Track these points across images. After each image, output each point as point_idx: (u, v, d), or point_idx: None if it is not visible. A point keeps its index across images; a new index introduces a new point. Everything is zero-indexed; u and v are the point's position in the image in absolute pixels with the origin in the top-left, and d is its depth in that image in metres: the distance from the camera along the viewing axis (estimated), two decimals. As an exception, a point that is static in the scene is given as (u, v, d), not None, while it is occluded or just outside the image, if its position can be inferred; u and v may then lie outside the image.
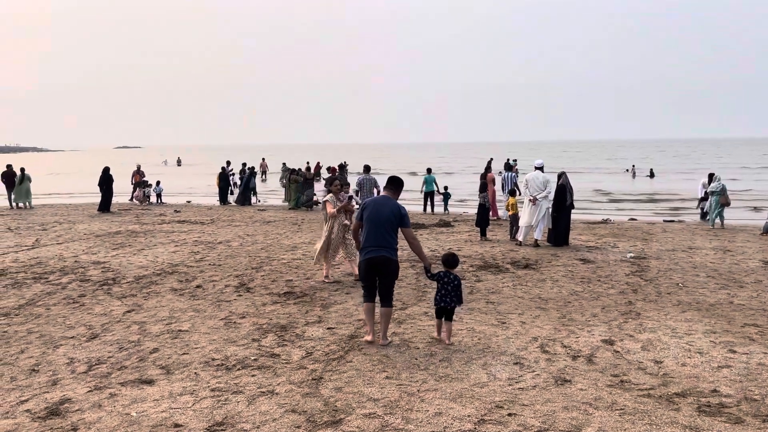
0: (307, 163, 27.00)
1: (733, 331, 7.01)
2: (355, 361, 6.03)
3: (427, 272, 6.63)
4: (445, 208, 21.65)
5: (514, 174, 18.74)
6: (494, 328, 7.13)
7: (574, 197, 13.67)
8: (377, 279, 6.51)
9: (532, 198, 13.09)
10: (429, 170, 22.44)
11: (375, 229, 6.44)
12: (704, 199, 18.02)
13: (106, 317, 7.72)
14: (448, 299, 6.62)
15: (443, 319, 6.70)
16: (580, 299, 8.59)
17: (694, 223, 17.64)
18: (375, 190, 15.59)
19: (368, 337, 6.62)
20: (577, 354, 6.24)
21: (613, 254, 12.17)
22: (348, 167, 20.61)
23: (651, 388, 5.34)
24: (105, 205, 21.53)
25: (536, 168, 13.45)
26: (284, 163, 36.09)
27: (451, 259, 6.77)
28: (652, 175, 43.77)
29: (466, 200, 26.96)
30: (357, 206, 10.33)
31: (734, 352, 6.30)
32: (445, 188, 22.31)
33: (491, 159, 19.89)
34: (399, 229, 6.54)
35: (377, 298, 6.64)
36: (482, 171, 18.84)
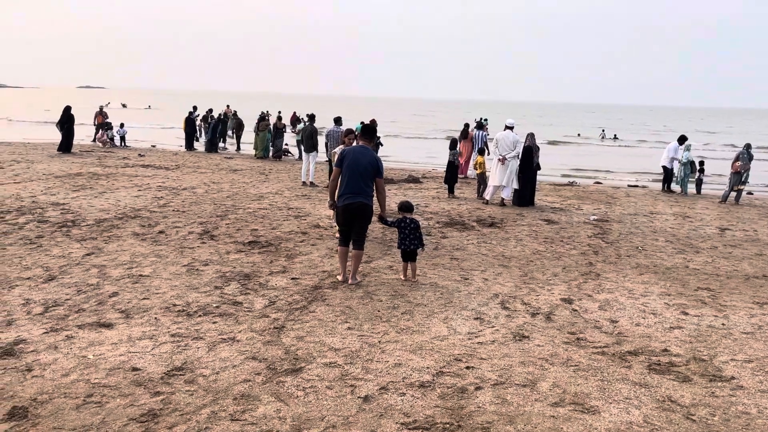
0: (279, 112, 26.46)
1: (687, 294, 7.23)
2: (317, 312, 6.05)
3: (382, 220, 7.12)
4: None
5: (485, 133, 18.74)
6: (457, 284, 7.22)
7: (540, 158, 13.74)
8: (352, 224, 6.92)
9: (501, 157, 13.12)
10: (362, 122, 23.15)
11: (354, 178, 6.82)
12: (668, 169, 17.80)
13: (65, 259, 7.56)
14: (408, 242, 7.17)
15: (408, 262, 7.27)
16: (542, 258, 8.72)
17: (656, 190, 17.96)
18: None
19: (340, 277, 7.14)
20: (536, 311, 6.36)
21: (576, 216, 12.36)
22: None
23: (605, 346, 5.49)
24: (66, 146, 20.88)
25: (507, 127, 13.43)
26: (235, 111, 35.10)
27: (407, 204, 7.35)
28: (615, 138, 45.70)
29: (435, 157, 26.97)
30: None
31: (686, 314, 6.51)
32: (377, 137, 23.13)
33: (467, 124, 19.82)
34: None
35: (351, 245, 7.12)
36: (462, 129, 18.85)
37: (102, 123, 25.99)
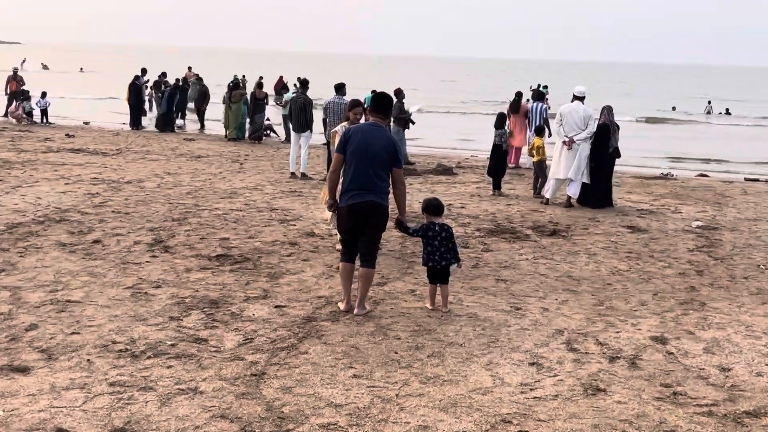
0: (260, 78, 26.41)
1: (829, 333, 7.15)
2: (311, 353, 6.06)
3: (401, 226, 7.14)
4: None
5: (544, 105, 18.69)
6: (505, 315, 7.21)
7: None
8: (360, 231, 6.95)
9: (567, 140, 13.09)
10: (374, 92, 22.84)
11: (362, 167, 6.85)
12: None
13: (-35, 279, 7.65)
14: (437, 257, 7.16)
15: (437, 285, 7.25)
16: (625, 281, 8.69)
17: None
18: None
19: (342, 305, 7.08)
20: (616, 354, 6.33)
21: (672, 222, 12.29)
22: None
23: (713, 404, 5.44)
24: (-33, 123, 21.15)
25: (575, 98, 13.39)
26: (198, 76, 34.84)
27: (434, 203, 7.33)
28: (726, 113, 46.12)
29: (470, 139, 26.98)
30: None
31: (828, 360, 6.44)
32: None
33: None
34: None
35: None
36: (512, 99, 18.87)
37: (16, 91, 26.28)
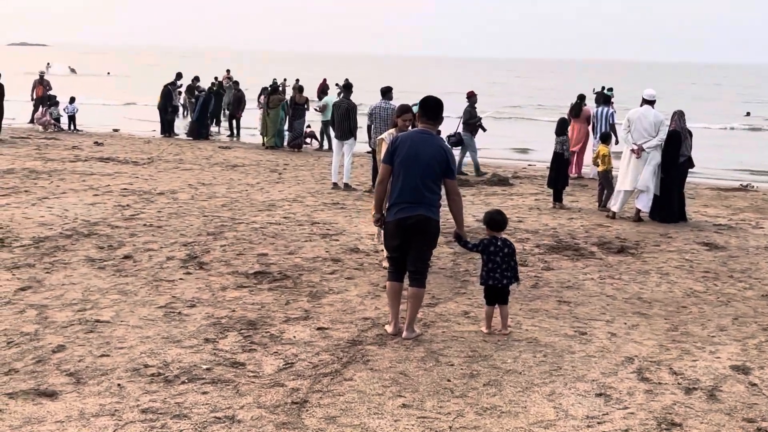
0: (297, 81, 26.59)
1: None
2: (357, 379, 6.05)
3: (460, 240, 7.16)
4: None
5: (610, 110, 18.52)
6: (568, 341, 7.14)
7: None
8: (408, 247, 6.96)
9: (636, 147, 12.96)
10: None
11: (411, 178, 6.87)
12: None
13: (-10, 296, 7.79)
14: (498, 275, 7.15)
15: (496, 306, 7.23)
16: (702, 303, 8.56)
17: None
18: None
19: (390, 328, 7.12)
20: (693, 385, 6.23)
21: (754, 238, 12.10)
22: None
23: (804, 443, 5.32)
24: (-8, 130, 21.64)
25: (645, 101, 13.26)
26: (231, 79, 34.90)
27: (497, 218, 7.30)
28: None
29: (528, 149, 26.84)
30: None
31: None
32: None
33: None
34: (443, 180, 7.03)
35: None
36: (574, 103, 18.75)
37: (43, 96, 26.79)
